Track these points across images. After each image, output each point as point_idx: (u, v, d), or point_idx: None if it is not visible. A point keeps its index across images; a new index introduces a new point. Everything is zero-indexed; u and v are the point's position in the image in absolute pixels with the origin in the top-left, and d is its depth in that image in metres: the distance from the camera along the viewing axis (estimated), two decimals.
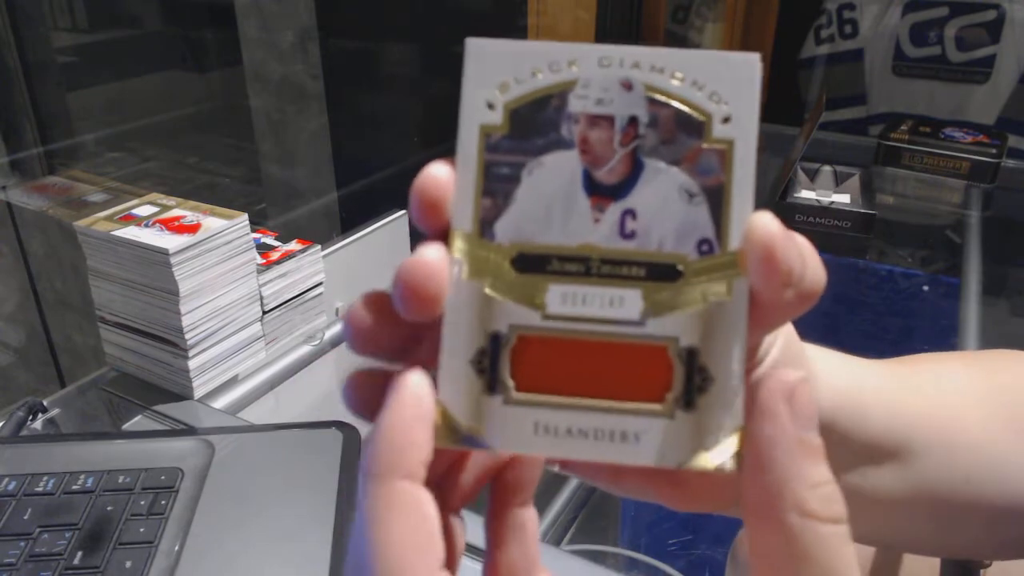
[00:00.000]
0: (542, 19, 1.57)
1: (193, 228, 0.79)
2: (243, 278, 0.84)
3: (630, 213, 0.24)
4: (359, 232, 1.12)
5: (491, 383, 0.24)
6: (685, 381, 0.23)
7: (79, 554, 0.57)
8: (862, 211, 1.18)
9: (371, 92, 1.90)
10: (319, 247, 0.94)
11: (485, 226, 0.24)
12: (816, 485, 0.22)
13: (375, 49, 1.91)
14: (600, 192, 0.24)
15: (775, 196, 1.19)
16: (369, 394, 0.25)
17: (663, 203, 0.24)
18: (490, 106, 0.25)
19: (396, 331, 0.25)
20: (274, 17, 1.81)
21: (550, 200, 0.24)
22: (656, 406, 0.24)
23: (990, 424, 0.40)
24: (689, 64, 0.24)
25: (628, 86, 0.25)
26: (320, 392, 0.90)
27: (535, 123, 0.25)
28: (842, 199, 1.22)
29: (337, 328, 0.96)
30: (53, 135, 1.50)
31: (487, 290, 0.24)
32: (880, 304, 1.08)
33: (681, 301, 0.24)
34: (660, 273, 0.24)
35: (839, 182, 1.25)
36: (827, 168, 1.26)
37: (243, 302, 0.84)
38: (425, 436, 0.23)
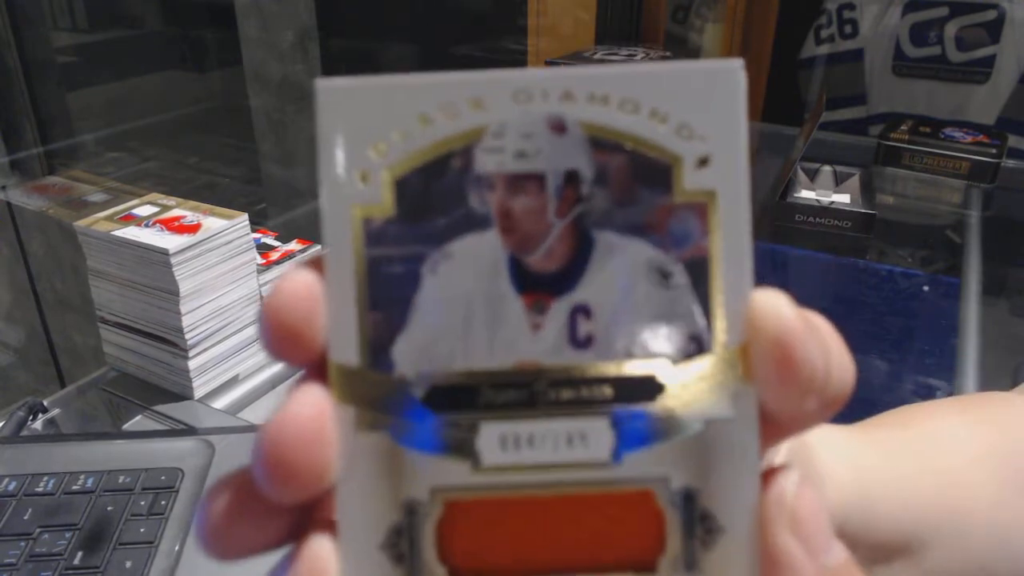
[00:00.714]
0: (542, 19, 1.56)
1: (193, 228, 0.79)
2: (243, 278, 0.83)
3: (582, 311, 0.18)
4: None
5: (414, 572, 0.18)
6: (684, 536, 0.17)
7: (79, 554, 0.57)
8: (862, 211, 1.17)
9: None
10: (319, 247, 0.93)
11: (378, 353, 0.17)
12: None
13: (375, 49, 1.90)
14: (536, 286, 0.18)
15: (775, 196, 1.19)
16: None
17: (627, 292, 0.18)
18: (365, 177, 0.18)
19: (271, 522, 0.18)
20: (274, 17, 1.81)
21: (467, 305, 0.18)
22: (647, 575, 0.18)
23: (1002, 495, 0.37)
24: (644, 86, 0.18)
25: (559, 128, 0.18)
26: None
27: (432, 196, 0.18)
28: (842, 199, 1.22)
29: None
30: (53, 135, 1.50)
31: (393, 443, 0.17)
32: (880, 304, 1.08)
33: (667, 427, 0.17)
34: (633, 391, 0.17)
35: (839, 182, 1.25)
36: (827, 168, 1.26)
37: (243, 302, 0.84)
38: None
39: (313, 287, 0.17)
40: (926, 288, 1.10)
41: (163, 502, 0.61)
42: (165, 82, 1.89)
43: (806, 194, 1.23)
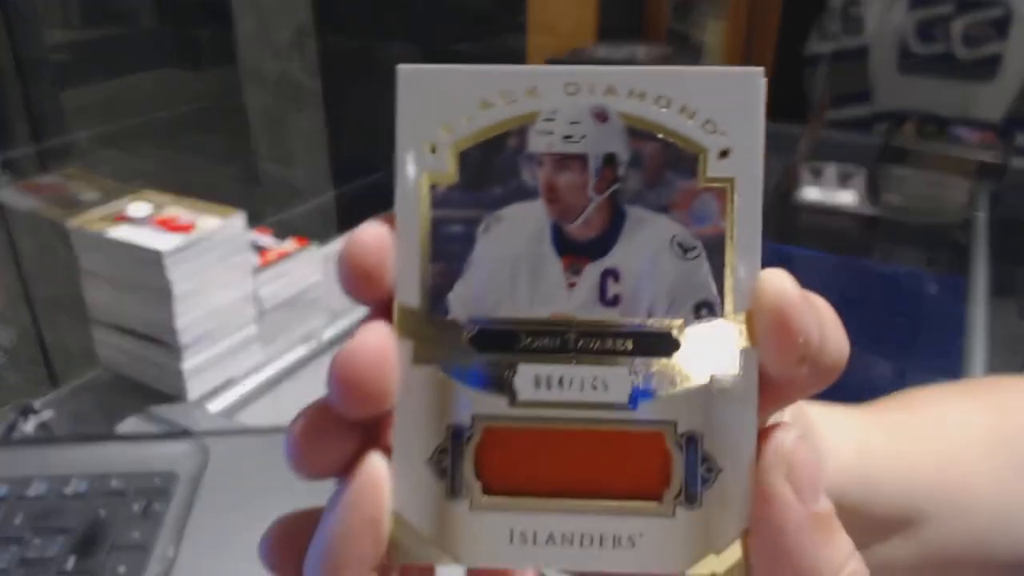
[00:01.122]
0: (542, 17, 1.56)
1: (188, 227, 0.79)
2: (239, 278, 0.83)
3: (612, 274, 0.21)
4: None
5: (454, 486, 0.21)
6: (686, 473, 0.20)
7: (72, 559, 0.56)
8: (867, 210, 1.17)
9: (369, 90, 1.90)
10: (316, 246, 0.93)
11: (435, 299, 0.21)
12: (840, 567, 0.20)
13: (373, 47, 1.90)
14: (574, 250, 0.21)
15: (780, 195, 1.19)
16: (299, 543, 0.22)
17: (651, 260, 0.21)
18: (434, 150, 0.21)
19: (344, 443, 0.21)
20: (271, 14, 1.81)
21: (513, 263, 0.21)
22: (653, 504, 0.21)
23: (1005, 478, 0.38)
24: (676, 85, 0.21)
25: (602, 117, 0.21)
26: (317, 394, 0.88)
27: (490, 168, 0.21)
28: (847, 198, 1.22)
29: (335, 329, 0.95)
30: (46, 133, 1.49)
31: (443, 375, 0.21)
32: (886, 304, 1.08)
33: (678, 378, 0.20)
34: (651, 346, 0.21)
35: (844, 181, 1.25)
36: (832, 167, 1.26)
37: (239, 303, 0.83)
38: (376, 542, 0.20)
39: (384, 237, 0.21)
40: (932, 288, 1.10)
41: (157, 506, 0.61)
42: (160, 80, 1.89)
43: (811, 193, 1.23)
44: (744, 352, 0.20)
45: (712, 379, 0.20)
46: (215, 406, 0.81)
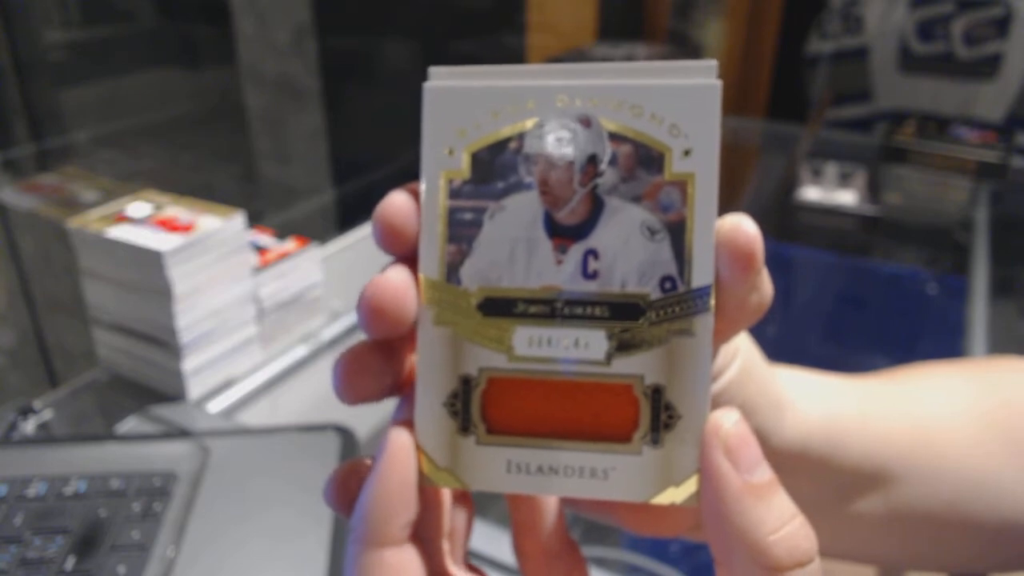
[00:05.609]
0: (542, 16, 1.56)
1: (188, 227, 0.78)
2: (239, 278, 0.83)
3: (592, 253, 0.24)
4: (357, 231, 1.11)
5: (464, 424, 0.25)
6: (652, 419, 0.24)
7: (72, 559, 0.56)
8: (867, 210, 1.17)
9: (369, 89, 1.89)
10: (317, 247, 0.93)
11: (451, 272, 0.25)
12: (776, 530, 0.22)
13: (373, 46, 1.90)
14: (562, 233, 0.25)
15: (780, 195, 1.19)
16: (353, 488, 0.26)
17: (625, 242, 0.24)
18: (451, 152, 0.25)
19: (380, 377, 0.26)
20: (271, 14, 1.81)
21: (513, 243, 0.25)
22: (624, 444, 0.24)
23: (983, 444, 0.40)
24: (648, 96, 0.24)
25: (586, 123, 0.25)
26: (317, 394, 0.89)
27: (495, 167, 0.25)
28: (847, 198, 1.21)
29: (335, 329, 0.95)
30: (46, 133, 1.49)
31: (456, 334, 0.25)
32: (886, 304, 1.08)
33: (645, 340, 0.24)
34: (624, 313, 0.24)
35: (844, 180, 1.24)
36: (832, 166, 1.25)
37: (239, 303, 0.83)
38: (410, 502, 0.24)
39: (408, 202, 0.25)
40: (932, 288, 1.10)
41: (157, 506, 0.61)
42: (160, 79, 1.88)
43: (811, 193, 1.23)
44: (702, 317, 0.24)
45: (673, 341, 0.24)
46: (215, 406, 0.81)
